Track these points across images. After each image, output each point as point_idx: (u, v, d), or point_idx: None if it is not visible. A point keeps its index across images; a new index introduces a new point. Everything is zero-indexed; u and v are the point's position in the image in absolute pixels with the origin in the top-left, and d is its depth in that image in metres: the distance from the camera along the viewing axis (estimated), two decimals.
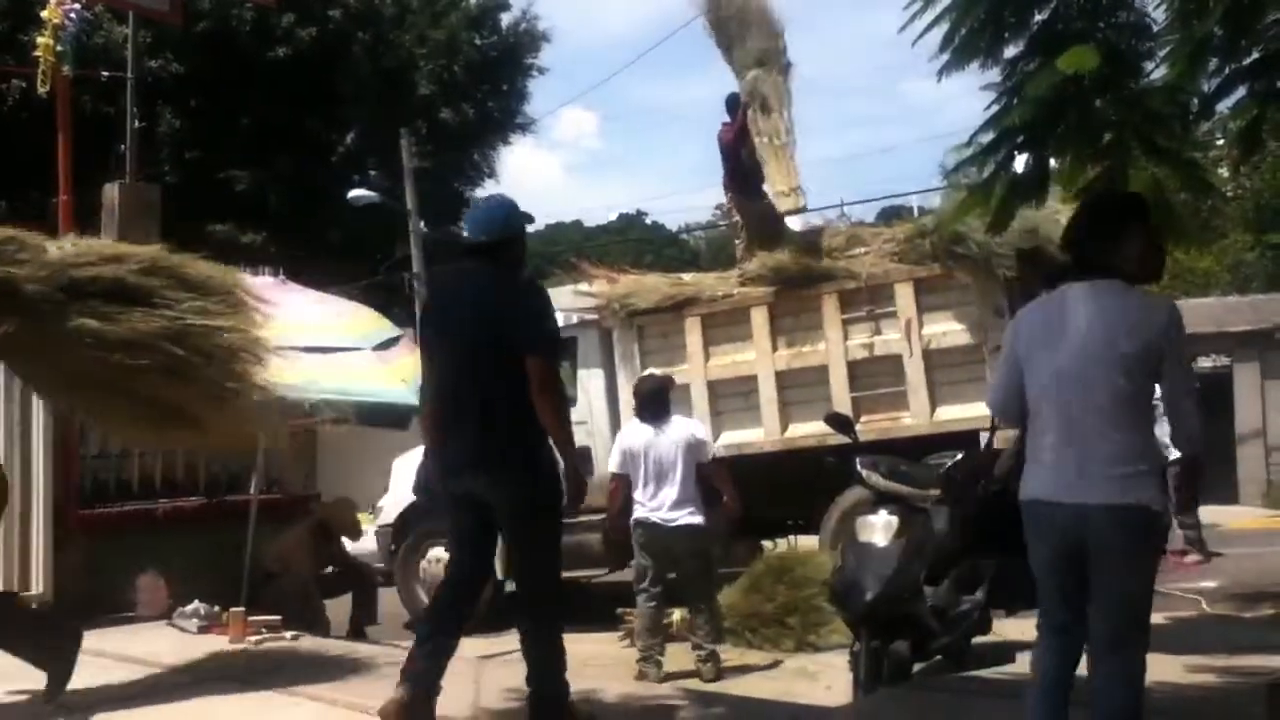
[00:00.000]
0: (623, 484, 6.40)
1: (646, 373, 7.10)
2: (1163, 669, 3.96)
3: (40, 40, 6.98)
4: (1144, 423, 2.98)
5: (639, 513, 6.35)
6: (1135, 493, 2.89)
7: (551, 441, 3.96)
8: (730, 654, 6.52)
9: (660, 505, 6.28)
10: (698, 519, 6.30)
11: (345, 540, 7.59)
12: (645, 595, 6.36)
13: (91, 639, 5.94)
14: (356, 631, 7.23)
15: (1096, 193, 3.97)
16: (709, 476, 6.44)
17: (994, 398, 3.41)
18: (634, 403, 6.77)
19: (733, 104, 9.70)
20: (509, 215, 4.16)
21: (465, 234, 4.30)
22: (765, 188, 8.87)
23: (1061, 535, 2.99)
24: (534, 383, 3.84)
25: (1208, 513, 10.25)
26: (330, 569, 7.47)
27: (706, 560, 6.50)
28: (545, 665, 4.02)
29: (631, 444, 6.44)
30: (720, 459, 6.86)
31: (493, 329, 3.91)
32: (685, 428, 6.52)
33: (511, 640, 7.48)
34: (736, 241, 9.79)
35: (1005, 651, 5.88)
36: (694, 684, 5.95)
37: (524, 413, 3.86)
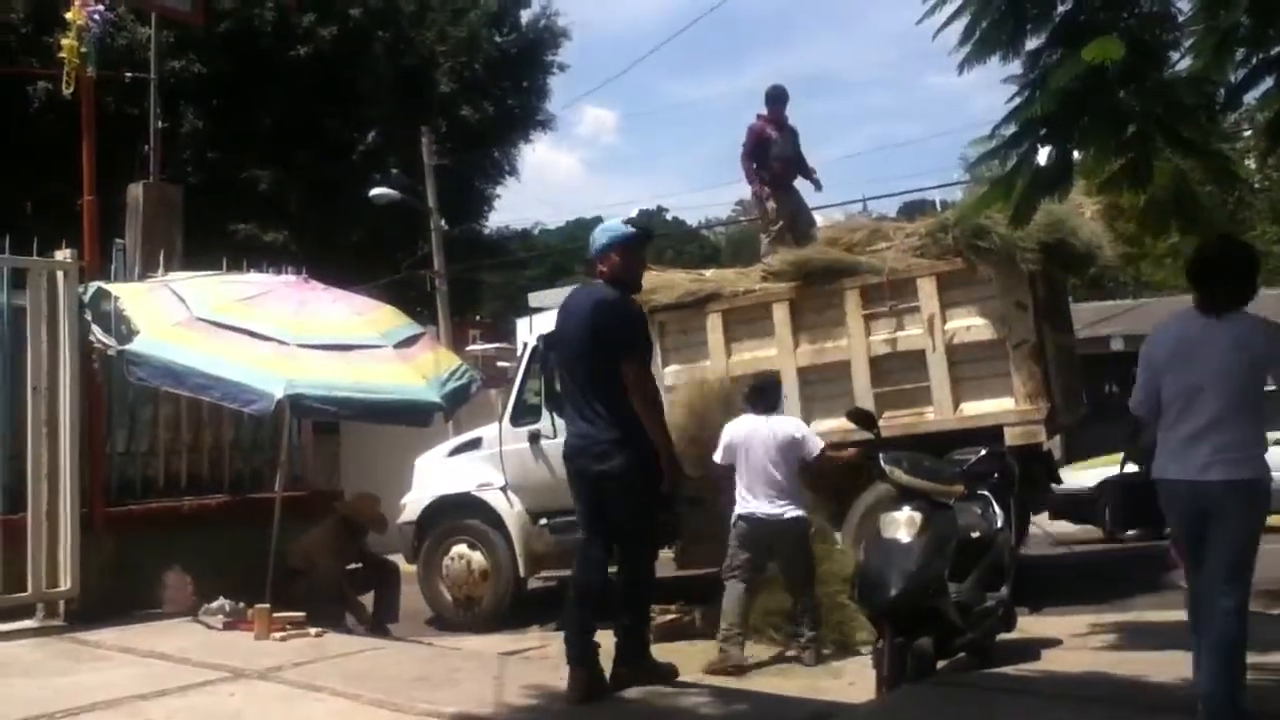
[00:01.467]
0: (728, 474, 6.59)
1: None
2: (1191, 665, 3.92)
3: (64, 42, 7.01)
4: (1257, 419, 3.87)
5: (742, 507, 6.48)
6: (1247, 471, 3.74)
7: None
8: (754, 650, 6.51)
9: (764, 500, 6.42)
10: (800, 511, 6.49)
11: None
12: (736, 578, 6.45)
13: (118, 635, 6.03)
14: (379, 627, 7.25)
15: (1223, 245, 4.19)
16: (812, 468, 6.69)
17: (1136, 399, 4.11)
18: (747, 394, 7.00)
19: (774, 97, 9.69)
20: (599, 234, 4.74)
21: None
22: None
23: (1186, 504, 3.84)
24: (626, 383, 4.45)
25: None
26: (355, 565, 7.50)
27: (807, 550, 6.63)
28: (634, 631, 4.65)
29: (734, 436, 6.61)
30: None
31: (590, 336, 4.54)
32: (788, 425, 6.69)
33: (532, 638, 7.58)
34: (763, 236, 9.75)
35: (1030, 648, 5.87)
36: (717, 680, 5.94)
37: (616, 404, 4.47)
